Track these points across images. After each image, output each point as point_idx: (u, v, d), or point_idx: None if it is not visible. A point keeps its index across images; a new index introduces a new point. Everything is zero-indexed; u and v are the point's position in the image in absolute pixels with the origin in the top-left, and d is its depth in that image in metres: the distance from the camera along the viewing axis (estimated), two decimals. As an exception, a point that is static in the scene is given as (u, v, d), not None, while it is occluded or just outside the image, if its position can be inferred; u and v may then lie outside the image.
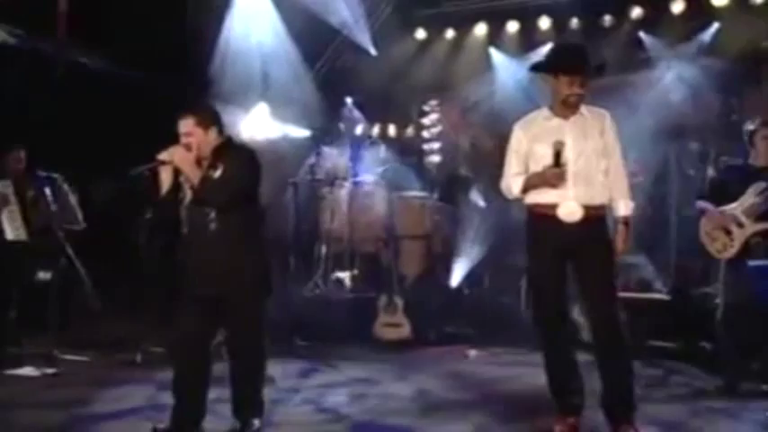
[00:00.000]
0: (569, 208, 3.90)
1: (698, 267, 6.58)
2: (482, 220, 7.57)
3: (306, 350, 6.13)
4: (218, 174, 3.95)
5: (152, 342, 5.90)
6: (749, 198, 4.77)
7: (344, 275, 7.05)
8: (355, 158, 7.52)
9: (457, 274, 7.01)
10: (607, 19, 8.07)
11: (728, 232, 4.82)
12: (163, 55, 7.28)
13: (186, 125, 3.99)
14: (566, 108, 3.96)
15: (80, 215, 6.05)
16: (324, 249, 7.16)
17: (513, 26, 8.45)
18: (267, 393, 4.22)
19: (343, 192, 7.17)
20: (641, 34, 7.92)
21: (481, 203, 8.06)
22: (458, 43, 8.70)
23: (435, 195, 7.41)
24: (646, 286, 6.36)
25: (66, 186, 6.02)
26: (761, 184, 4.75)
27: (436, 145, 7.57)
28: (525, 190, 4.03)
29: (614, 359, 3.89)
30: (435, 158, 7.55)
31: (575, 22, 8.17)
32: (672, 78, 7.66)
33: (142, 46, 7.24)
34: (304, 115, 8.24)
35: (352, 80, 8.60)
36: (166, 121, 7.21)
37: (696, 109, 7.45)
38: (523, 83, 8.30)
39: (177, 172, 3.99)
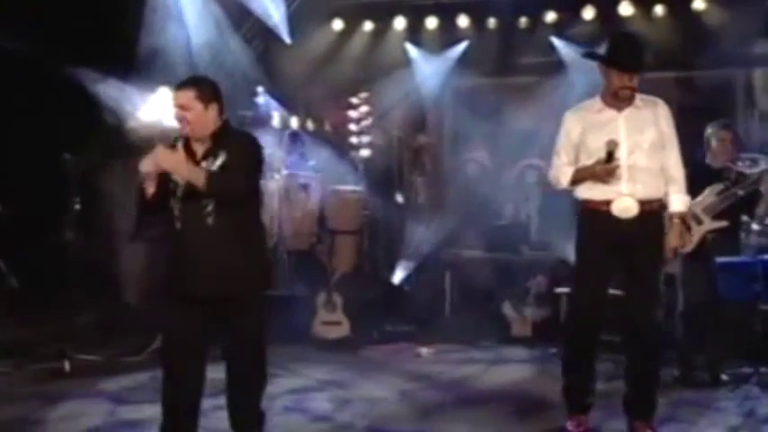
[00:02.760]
0: (624, 203, 3.80)
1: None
2: (408, 217, 7.51)
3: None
4: (218, 163, 3.52)
5: (75, 349, 5.32)
6: (708, 197, 5.02)
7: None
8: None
9: (399, 272, 6.86)
10: (523, 21, 8.17)
11: (687, 228, 5.05)
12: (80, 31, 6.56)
13: (184, 96, 3.48)
14: (618, 100, 3.84)
15: None
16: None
17: (431, 22, 8.38)
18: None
19: (274, 185, 6.78)
20: (553, 38, 8.10)
21: (400, 200, 7.98)
22: (376, 36, 8.52)
23: (365, 190, 7.19)
24: None
25: None
26: (719, 185, 5.02)
27: (366, 139, 7.32)
28: (574, 182, 3.92)
29: (645, 359, 3.90)
30: (365, 152, 7.30)
31: (492, 21, 8.24)
32: (582, 82, 7.93)
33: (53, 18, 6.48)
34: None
35: (265, 68, 8.17)
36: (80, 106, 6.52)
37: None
38: (442, 79, 8.32)
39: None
